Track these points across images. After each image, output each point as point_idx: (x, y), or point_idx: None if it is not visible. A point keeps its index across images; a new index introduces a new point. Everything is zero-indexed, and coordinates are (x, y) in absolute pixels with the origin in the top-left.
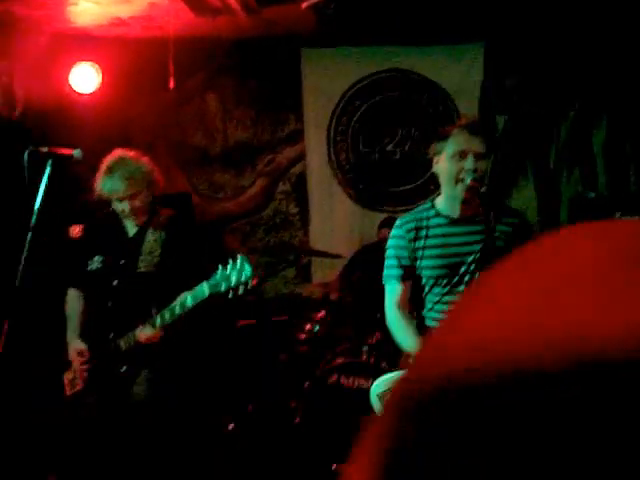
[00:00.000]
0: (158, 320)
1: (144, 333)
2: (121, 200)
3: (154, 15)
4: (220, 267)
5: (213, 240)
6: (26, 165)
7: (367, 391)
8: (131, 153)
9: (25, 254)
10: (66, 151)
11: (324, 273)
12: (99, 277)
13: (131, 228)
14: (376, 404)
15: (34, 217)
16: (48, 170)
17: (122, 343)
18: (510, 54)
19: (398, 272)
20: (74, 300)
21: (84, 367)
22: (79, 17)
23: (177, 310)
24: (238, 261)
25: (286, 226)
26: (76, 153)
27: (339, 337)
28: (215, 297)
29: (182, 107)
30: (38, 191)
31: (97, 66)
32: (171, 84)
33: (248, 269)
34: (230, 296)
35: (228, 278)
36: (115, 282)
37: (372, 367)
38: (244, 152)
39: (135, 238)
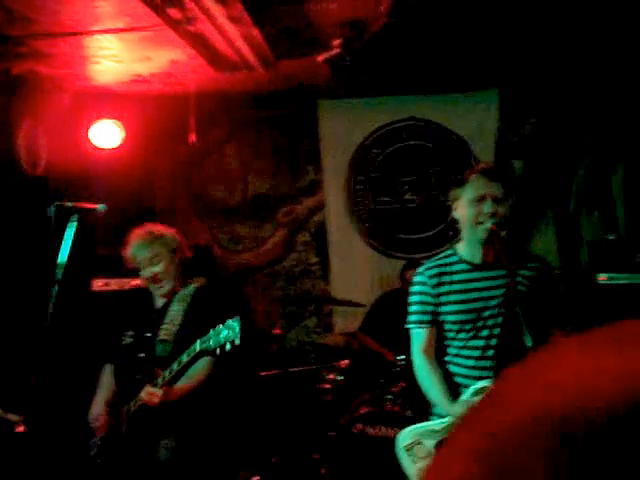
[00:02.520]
0: (159, 380)
1: (145, 392)
2: (145, 267)
3: (174, 72)
4: (216, 326)
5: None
6: (52, 219)
7: (391, 440)
8: (157, 226)
9: (51, 308)
10: (91, 206)
11: (345, 322)
12: (130, 351)
13: (157, 299)
14: (402, 456)
15: (60, 271)
16: (73, 224)
17: (132, 405)
18: (525, 99)
19: (423, 317)
20: (108, 374)
21: (99, 429)
22: (101, 75)
23: (175, 366)
24: (230, 321)
25: (307, 276)
26: (100, 207)
27: (363, 386)
28: (205, 353)
29: (203, 160)
30: (63, 245)
31: (119, 122)
32: (192, 138)
33: (236, 329)
34: (217, 353)
35: (217, 336)
36: (142, 354)
37: (396, 416)
38: (264, 203)
39: (161, 309)
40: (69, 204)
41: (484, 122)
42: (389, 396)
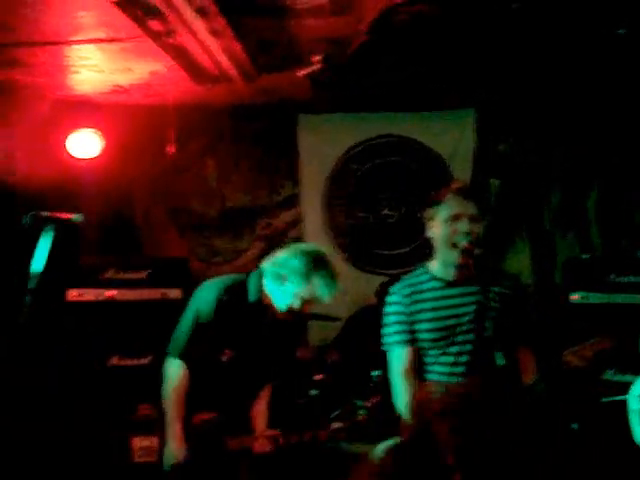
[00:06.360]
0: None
1: (260, 445)
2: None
3: (154, 83)
4: None
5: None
6: (27, 229)
7: (365, 456)
8: None
9: (23, 318)
10: (67, 215)
11: (320, 336)
12: (229, 370)
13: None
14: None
15: (34, 281)
16: (49, 234)
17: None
18: (502, 119)
19: (402, 337)
20: (183, 386)
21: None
22: (81, 85)
23: None
24: None
25: None
26: (77, 217)
27: (336, 401)
28: None
29: (181, 172)
30: (36, 255)
31: (98, 132)
32: (171, 150)
33: None
34: None
35: None
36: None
37: (370, 431)
38: (242, 216)
39: (268, 332)
40: (45, 214)
41: (461, 140)
42: (362, 411)
